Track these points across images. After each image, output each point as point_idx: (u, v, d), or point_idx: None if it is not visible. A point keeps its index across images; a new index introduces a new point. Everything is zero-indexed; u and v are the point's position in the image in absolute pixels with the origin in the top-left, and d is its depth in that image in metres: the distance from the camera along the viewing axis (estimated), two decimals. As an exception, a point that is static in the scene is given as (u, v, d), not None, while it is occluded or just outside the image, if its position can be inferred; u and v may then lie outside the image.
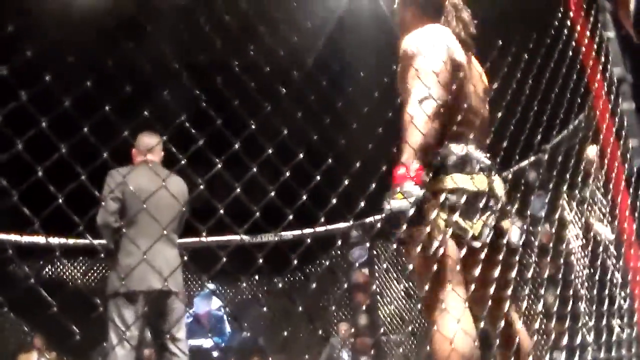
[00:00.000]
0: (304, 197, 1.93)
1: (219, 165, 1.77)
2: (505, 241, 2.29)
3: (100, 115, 1.56)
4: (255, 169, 1.85)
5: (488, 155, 2.42)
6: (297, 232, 6.86)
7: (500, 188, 2.36)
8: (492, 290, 2.19)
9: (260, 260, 1.85)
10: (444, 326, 2.07)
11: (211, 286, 10.53)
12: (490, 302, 2.18)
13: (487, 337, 2.30)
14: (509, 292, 2.27)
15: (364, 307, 8.35)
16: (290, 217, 1.91)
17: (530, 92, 2.70)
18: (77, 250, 8.94)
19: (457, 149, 2.30)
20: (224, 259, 1.76)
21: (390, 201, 2.05)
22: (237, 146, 1.83)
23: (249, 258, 2.11)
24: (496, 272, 2.20)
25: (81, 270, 10.23)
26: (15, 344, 9.23)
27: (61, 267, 10.27)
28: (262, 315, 10.40)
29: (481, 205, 2.23)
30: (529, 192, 2.91)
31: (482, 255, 2.17)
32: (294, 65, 2.28)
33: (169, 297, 3.92)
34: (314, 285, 7.99)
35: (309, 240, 2.15)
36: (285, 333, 9.20)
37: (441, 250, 2.12)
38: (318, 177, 1.98)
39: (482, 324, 2.17)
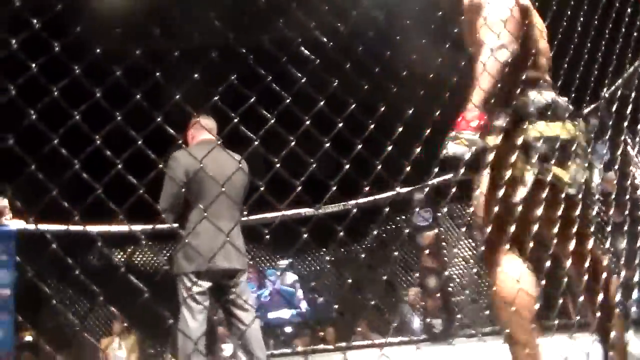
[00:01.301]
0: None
1: (292, 142, 1.77)
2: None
3: (163, 98, 1.59)
4: (326, 143, 1.85)
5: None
6: (366, 199, 6.86)
7: (583, 133, 2.35)
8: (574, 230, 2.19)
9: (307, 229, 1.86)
10: (504, 286, 2.09)
11: (284, 262, 10.67)
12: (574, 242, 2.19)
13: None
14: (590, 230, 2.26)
15: (432, 270, 8.33)
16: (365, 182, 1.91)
17: (582, 37, 2.63)
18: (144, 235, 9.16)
19: (538, 96, 2.28)
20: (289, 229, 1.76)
21: (448, 145, 2.09)
22: (307, 122, 1.83)
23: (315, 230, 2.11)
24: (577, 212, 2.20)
25: (151, 255, 10.52)
26: (99, 329, 9.65)
27: (131, 252, 10.58)
28: (333, 286, 10.49)
29: (570, 151, 2.23)
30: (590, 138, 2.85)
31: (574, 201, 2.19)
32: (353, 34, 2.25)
33: (236, 274, 3.99)
34: (374, 245, 7.99)
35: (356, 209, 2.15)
36: (356, 298, 9.28)
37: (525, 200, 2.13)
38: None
39: (568, 263, 2.17)
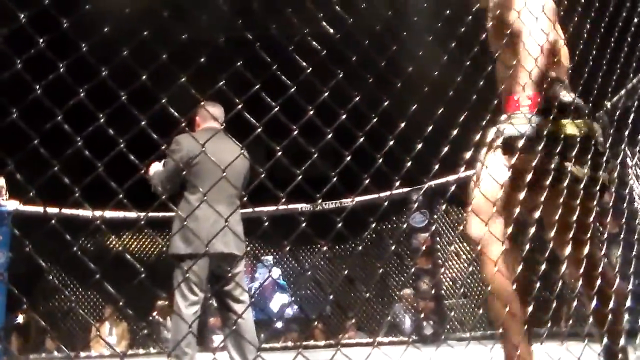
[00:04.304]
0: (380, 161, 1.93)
1: (295, 132, 1.77)
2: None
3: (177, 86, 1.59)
4: (330, 135, 1.84)
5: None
6: (370, 196, 6.85)
7: (570, 129, 2.34)
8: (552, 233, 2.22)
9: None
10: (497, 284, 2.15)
11: (269, 257, 10.70)
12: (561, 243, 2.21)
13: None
14: (584, 234, 2.27)
15: (426, 272, 8.34)
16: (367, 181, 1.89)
17: (586, 46, 2.64)
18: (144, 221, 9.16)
19: (565, 93, 2.35)
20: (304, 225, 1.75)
21: (504, 127, 2.17)
22: (311, 112, 1.81)
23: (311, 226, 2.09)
24: (566, 213, 2.22)
25: (146, 241, 10.52)
26: (90, 316, 9.66)
27: (128, 239, 10.57)
28: (325, 283, 10.50)
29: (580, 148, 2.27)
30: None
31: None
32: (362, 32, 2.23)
33: (233, 260, 3.99)
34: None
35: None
36: (348, 295, 9.26)
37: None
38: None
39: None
